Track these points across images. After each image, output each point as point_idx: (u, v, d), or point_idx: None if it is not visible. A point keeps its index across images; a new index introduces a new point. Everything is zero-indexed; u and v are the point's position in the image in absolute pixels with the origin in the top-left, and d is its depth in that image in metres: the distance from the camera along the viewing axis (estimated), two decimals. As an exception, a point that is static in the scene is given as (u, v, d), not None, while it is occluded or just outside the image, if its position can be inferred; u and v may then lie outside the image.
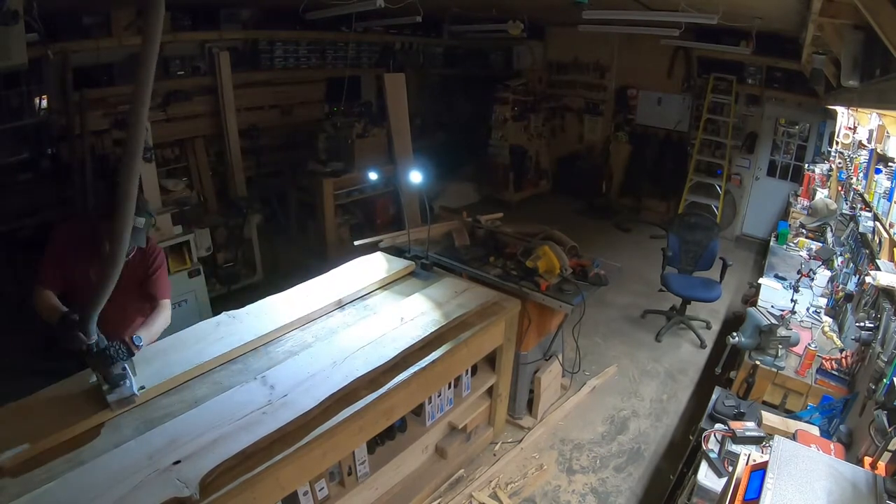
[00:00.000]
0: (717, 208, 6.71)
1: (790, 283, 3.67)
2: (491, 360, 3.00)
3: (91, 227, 2.20)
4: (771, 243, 4.64)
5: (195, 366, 2.06)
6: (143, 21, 4.03)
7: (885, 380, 1.99)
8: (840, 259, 3.75)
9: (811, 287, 3.66)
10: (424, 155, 6.05)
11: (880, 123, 3.26)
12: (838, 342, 2.97)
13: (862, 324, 2.58)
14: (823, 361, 2.74)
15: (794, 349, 2.85)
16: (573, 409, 3.54)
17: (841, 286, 3.40)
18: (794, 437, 2.09)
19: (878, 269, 2.55)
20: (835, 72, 3.35)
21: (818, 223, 4.64)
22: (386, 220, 5.88)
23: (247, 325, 2.37)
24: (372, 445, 2.40)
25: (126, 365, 1.91)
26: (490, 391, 3.05)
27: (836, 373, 2.68)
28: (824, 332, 3.10)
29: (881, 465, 1.63)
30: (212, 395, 1.95)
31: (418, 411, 2.61)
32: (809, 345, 2.81)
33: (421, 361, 2.29)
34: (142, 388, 1.94)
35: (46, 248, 2.20)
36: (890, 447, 1.64)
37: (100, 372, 1.88)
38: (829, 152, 5.55)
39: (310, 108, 5.83)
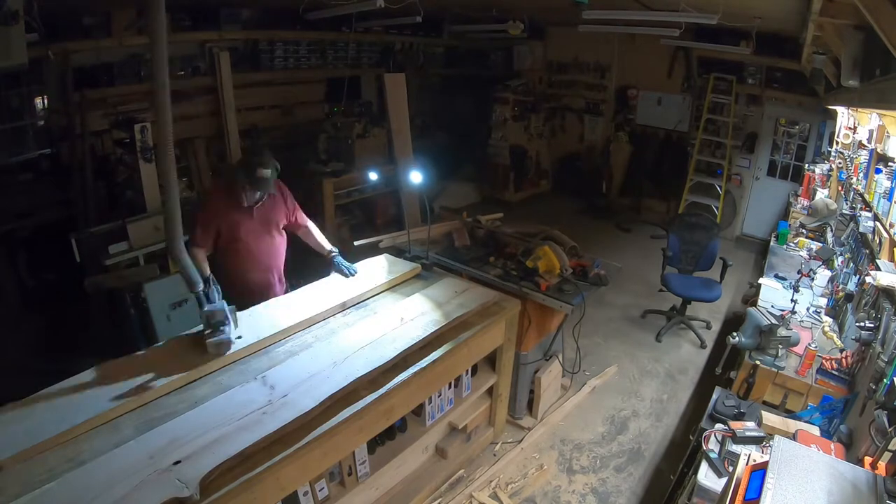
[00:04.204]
0: (717, 208, 6.71)
1: (790, 283, 3.66)
2: (491, 360, 3.00)
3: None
4: (771, 243, 4.64)
5: (199, 368, 2.06)
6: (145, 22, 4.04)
7: (885, 380, 1.99)
8: (840, 259, 3.75)
9: (811, 287, 3.66)
10: (424, 155, 6.04)
11: (880, 123, 3.26)
12: (838, 342, 2.97)
13: (862, 324, 2.57)
14: (823, 361, 2.74)
15: (795, 349, 2.85)
16: (573, 409, 3.54)
17: (841, 286, 3.40)
18: (794, 437, 2.08)
19: (878, 269, 2.55)
20: (835, 72, 3.36)
21: (818, 223, 4.63)
22: (386, 221, 5.88)
23: (251, 327, 2.36)
24: (372, 445, 2.40)
25: (228, 313, 2.16)
26: (490, 391, 3.05)
27: (836, 373, 2.68)
28: (824, 332, 3.09)
29: (881, 465, 1.62)
30: (212, 395, 1.94)
31: (418, 411, 2.61)
32: (809, 345, 2.81)
33: (421, 361, 2.28)
34: (239, 337, 2.20)
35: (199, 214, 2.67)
36: (890, 447, 1.64)
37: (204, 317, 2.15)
38: (829, 152, 5.55)
39: (310, 109, 5.83)
